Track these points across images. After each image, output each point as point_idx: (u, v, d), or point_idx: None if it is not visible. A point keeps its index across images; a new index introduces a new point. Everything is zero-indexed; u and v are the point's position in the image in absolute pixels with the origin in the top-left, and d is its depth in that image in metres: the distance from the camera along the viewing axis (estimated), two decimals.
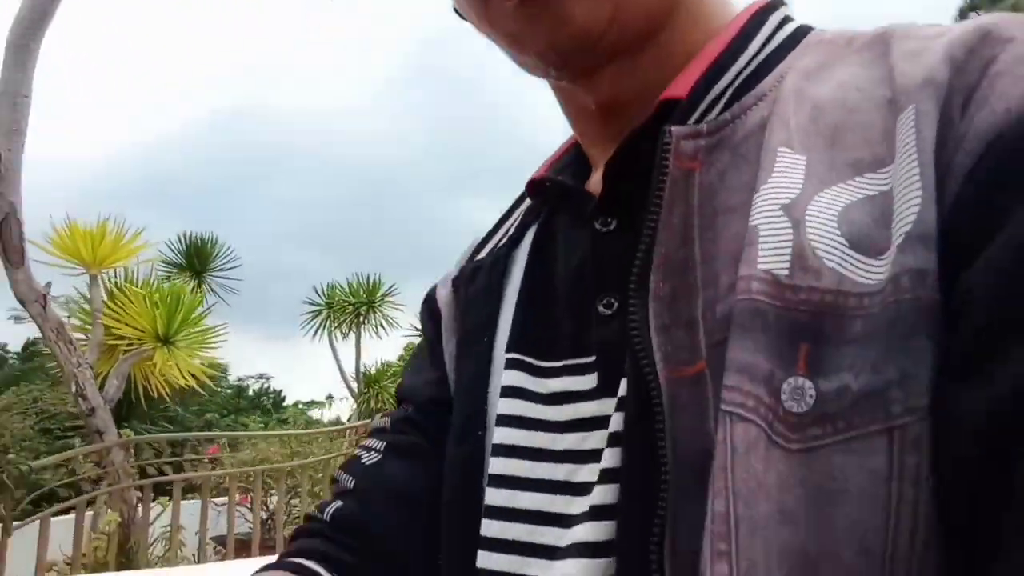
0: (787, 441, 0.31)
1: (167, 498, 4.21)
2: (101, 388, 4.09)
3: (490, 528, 0.41)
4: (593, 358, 0.41)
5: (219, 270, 9.44)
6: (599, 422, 0.39)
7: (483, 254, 0.53)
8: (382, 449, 0.52)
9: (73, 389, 3.60)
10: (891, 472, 0.29)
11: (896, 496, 0.29)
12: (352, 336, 10.85)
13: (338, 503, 0.51)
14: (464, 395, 0.48)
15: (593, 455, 0.39)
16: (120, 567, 3.66)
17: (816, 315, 0.32)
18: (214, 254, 9.35)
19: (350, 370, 10.66)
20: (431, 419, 0.51)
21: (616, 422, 0.37)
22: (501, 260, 0.50)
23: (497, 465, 0.42)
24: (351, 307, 10.92)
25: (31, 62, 3.50)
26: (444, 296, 0.54)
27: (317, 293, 11.08)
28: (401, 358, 11.11)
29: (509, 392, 0.44)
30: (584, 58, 0.41)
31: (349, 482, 0.51)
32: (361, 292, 10.91)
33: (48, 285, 3.56)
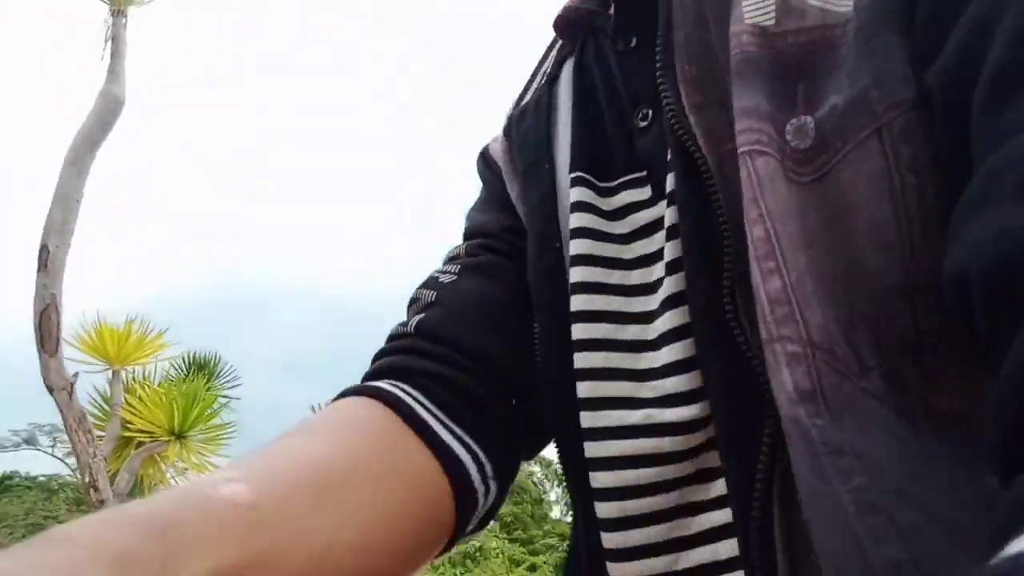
0: (799, 175, 0.33)
1: None
2: (111, 483, 4.15)
3: (578, 331, 0.43)
4: (644, 172, 0.44)
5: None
6: (658, 224, 0.42)
7: (526, 99, 0.54)
8: (458, 270, 0.51)
9: (86, 480, 3.66)
10: (888, 166, 0.30)
11: (899, 186, 0.30)
12: None
13: (421, 315, 0.49)
14: (536, 216, 0.49)
15: (658, 255, 0.42)
16: None
17: (807, 54, 0.34)
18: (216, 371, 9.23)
19: None
20: (504, 242, 0.52)
21: (671, 215, 0.40)
22: (544, 97, 0.52)
23: (576, 274, 0.44)
24: None
25: (86, 170, 3.85)
26: (497, 149, 0.55)
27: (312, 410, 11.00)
28: None
29: (579, 207, 0.45)
30: None
31: (430, 296, 0.50)
32: None
33: (75, 375, 3.72)
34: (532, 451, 0.51)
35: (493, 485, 0.45)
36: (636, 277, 0.44)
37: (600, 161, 0.46)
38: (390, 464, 0.41)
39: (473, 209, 0.58)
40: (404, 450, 0.42)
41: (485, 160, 0.57)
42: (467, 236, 0.55)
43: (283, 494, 0.35)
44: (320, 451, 0.40)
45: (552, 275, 0.46)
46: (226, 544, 0.31)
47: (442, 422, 0.44)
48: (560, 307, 0.44)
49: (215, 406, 4.86)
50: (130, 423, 4.64)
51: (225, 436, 5.41)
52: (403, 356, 0.47)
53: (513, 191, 0.52)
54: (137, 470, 4.54)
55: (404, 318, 0.50)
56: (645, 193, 0.44)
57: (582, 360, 0.43)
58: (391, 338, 0.50)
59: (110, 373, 5.07)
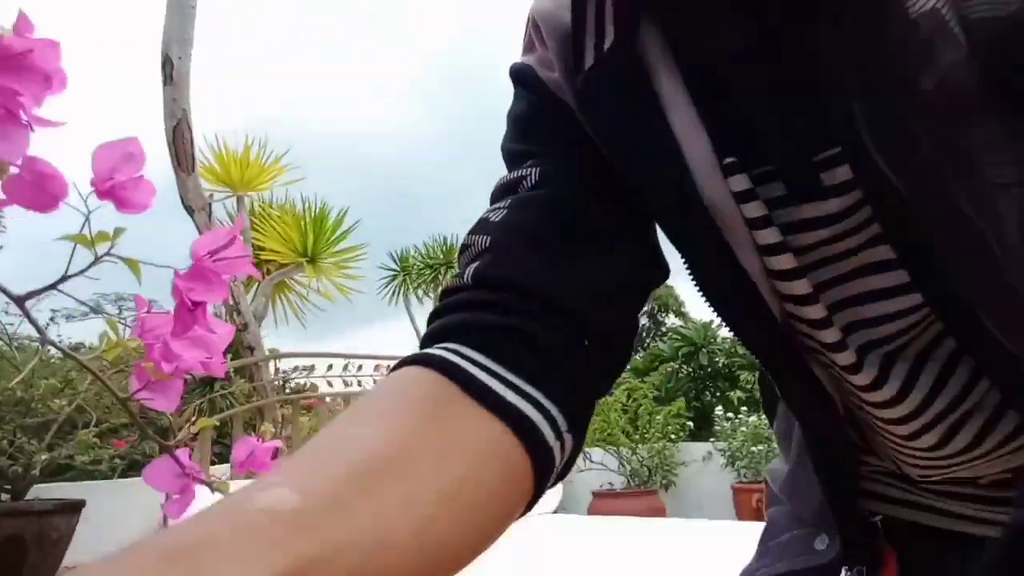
0: None
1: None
2: None
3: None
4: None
5: None
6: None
7: (588, 59, 0.47)
8: (508, 205, 0.47)
9: (228, 303, 3.76)
10: None
11: None
12: (427, 300, 10.95)
13: (475, 263, 0.45)
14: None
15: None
16: None
17: None
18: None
19: None
20: (558, 165, 0.48)
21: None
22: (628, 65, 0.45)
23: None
24: (429, 270, 10.99)
25: None
26: (554, 81, 0.50)
27: (392, 259, 11.19)
28: None
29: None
30: None
31: (484, 241, 0.46)
32: (439, 253, 10.96)
33: (211, 195, 3.72)
34: (608, 387, 0.47)
35: (568, 438, 0.42)
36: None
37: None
38: (451, 438, 0.37)
39: (515, 138, 0.52)
40: (464, 420, 0.38)
41: (537, 87, 0.51)
42: (513, 162, 0.51)
43: (331, 490, 0.32)
44: (370, 435, 0.36)
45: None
46: (262, 559, 0.28)
47: (505, 380, 0.40)
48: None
49: (343, 228, 4.85)
50: (260, 247, 4.69)
51: (357, 257, 5.48)
52: (459, 313, 0.43)
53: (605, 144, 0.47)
54: (270, 294, 4.65)
55: None
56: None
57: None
58: (445, 293, 0.46)
59: (234, 199, 5.13)
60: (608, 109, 0.46)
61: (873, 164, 0.36)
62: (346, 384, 4.08)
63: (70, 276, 0.45)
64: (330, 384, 4.22)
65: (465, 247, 0.48)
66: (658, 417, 6.41)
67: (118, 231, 0.51)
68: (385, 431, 0.36)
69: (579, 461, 6.34)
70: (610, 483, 6.16)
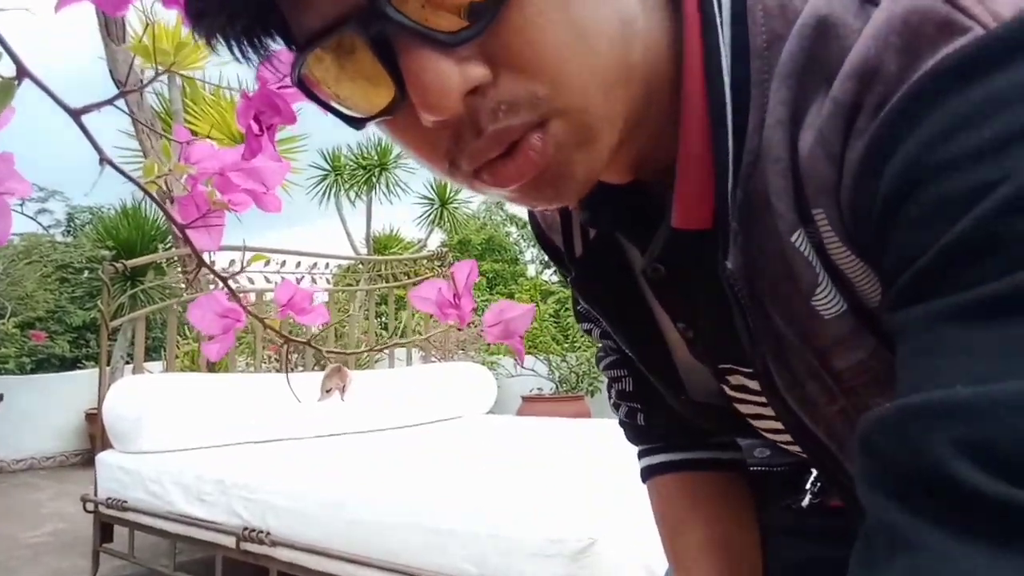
0: None
1: None
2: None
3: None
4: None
5: None
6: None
7: (578, 251, 0.59)
8: (632, 393, 0.73)
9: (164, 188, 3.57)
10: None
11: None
12: (359, 203, 10.69)
13: (640, 413, 0.73)
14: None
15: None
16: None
17: None
18: None
19: (359, 237, 10.57)
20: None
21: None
22: (607, 274, 0.58)
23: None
24: (362, 171, 10.69)
25: None
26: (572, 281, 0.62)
27: (324, 157, 10.81)
28: (417, 222, 11.01)
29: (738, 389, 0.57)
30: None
31: (637, 403, 0.72)
32: (374, 154, 10.65)
33: (142, 70, 3.46)
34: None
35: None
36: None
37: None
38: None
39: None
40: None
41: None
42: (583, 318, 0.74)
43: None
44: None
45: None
46: None
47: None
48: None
49: None
50: (195, 129, 4.44)
51: (297, 148, 5.25)
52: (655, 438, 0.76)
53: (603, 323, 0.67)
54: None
55: None
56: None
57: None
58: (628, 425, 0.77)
59: (166, 78, 4.80)
60: (600, 295, 0.58)
61: (775, 386, 0.49)
62: (282, 280, 4.01)
63: (130, 91, 0.42)
64: (267, 279, 4.14)
65: (611, 385, 0.75)
66: None
67: (181, 44, 0.48)
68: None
69: (510, 367, 6.44)
70: (539, 388, 6.34)
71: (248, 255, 0.56)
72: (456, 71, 0.36)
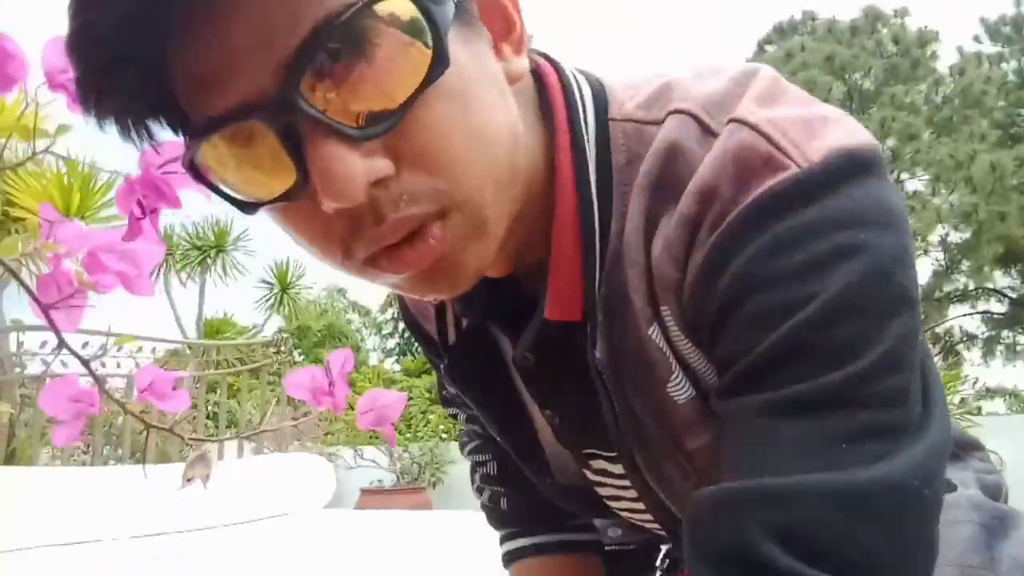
0: None
1: None
2: None
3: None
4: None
5: None
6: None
7: (451, 339, 0.63)
8: (494, 476, 0.77)
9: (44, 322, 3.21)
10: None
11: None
12: (191, 284, 10.15)
13: (502, 498, 0.77)
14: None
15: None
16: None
17: None
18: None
19: (189, 320, 9.97)
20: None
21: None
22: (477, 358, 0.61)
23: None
24: (196, 251, 10.22)
25: None
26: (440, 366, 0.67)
27: None
28: (256, 306, 10.54)
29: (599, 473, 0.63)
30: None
31: (497, 487, 0.77)
32: (210, 235, 10.22)
33: None
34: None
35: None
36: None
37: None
38: None
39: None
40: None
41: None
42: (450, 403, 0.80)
43: None
44: None
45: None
46: None
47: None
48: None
49: (113, 192, 4.26)
50: (10, 204, 4.01)
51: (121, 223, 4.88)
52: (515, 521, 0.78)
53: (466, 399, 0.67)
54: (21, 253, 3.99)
55: None
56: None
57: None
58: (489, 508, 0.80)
59: None
60: (471, 382, 0.61)
61: (637, 467, 0.54)
62: (103, 366, 3.69)
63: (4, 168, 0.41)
64: (103, 364, 3.77)
65: (475, 469, 0.79)
66: (431, 417, 6.52)
67: (62, 128, 0.47)
68: None
69: (350, 459, 6.20)
70: (380, 480, 6.15)
71: (105, 337, 0.54)
72: (361, 163, 0.38)
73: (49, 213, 0.52)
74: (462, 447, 0.80)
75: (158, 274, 9.96)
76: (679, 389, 0.49)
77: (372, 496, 5.74)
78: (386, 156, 0.39)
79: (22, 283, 0.50)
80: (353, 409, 0.62)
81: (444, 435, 6.44)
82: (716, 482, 0.42)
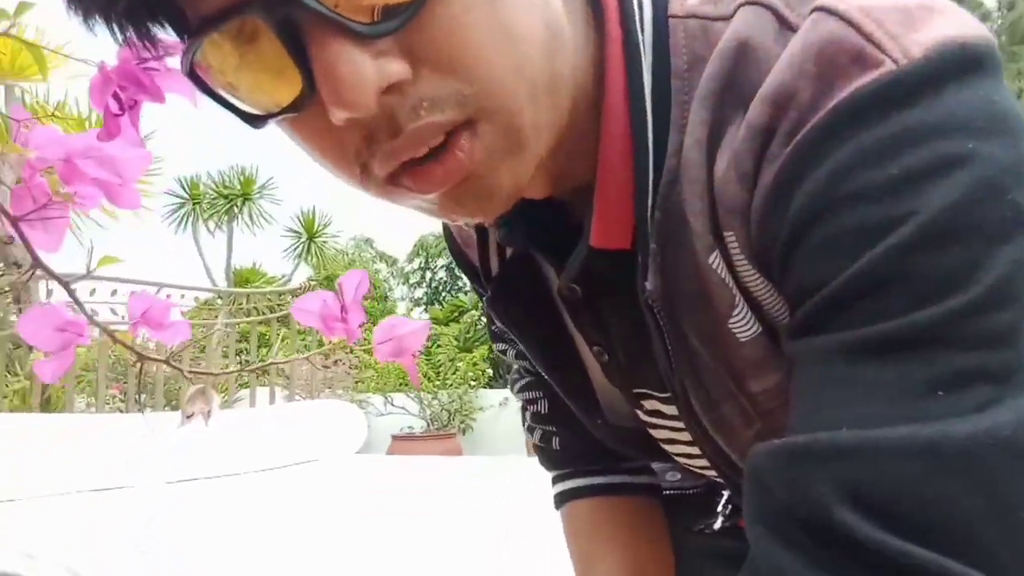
0: None
1: None
2: None
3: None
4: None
5: None
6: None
7: (494, 270, 0.58)
8: (546, 414, 0.72)
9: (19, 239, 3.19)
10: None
11: None
12: (219, 233, 10.19)
13: (555, 438, 0.71)
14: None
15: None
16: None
17: None
18: None
19: (218, 270, 10.06)
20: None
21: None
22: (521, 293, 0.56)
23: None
24: (223, 200, 10.22)
25: None
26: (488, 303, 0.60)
27: (181, 185, 10.25)
28: (284, 255, 10.60)
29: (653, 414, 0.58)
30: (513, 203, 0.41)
31: (551, 427, 0.71)
32: (236, 183, 10.20)
33: None
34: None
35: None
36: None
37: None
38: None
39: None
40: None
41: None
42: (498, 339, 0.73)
43: None
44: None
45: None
46: None
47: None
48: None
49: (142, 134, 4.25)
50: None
51: (151, 171, 4.86)
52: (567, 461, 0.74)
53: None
54: None
55: None
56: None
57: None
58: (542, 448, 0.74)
59: (2, 89, 4.31)
60: (515, 316, 0.57)
61: (692, 410, 0.48)
62: (113, 312, 3.71)
63: None
64: (113, 311, 3.80)
65: (526, 408, 0.73)
66: (459, 364, 6.53)
67: (24, 6, 0.40)
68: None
69: (380, 406, 6.29)
70: (410, 427, 6.20)
71: (94, 261, 0.48)
72: (372, 65, 0.33)
73: (19, 112, 0.45)
74: (512, 385, 0.74)
75: (185, 224, 10.03)
76: (742, 325, 0.42)
77: (402, 442, 5.79)
78: (401, 57, 0.34)
79: None
80: (368, 341, 0.56)
81: (473, 383, 6.46)
82: (782, 432, 0.37)
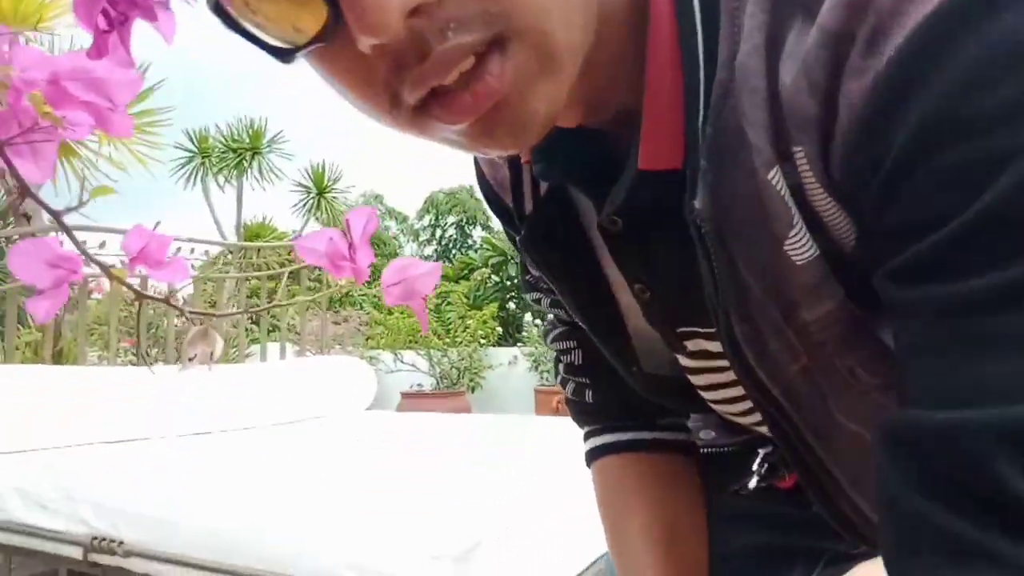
0: None
1: None
2: None
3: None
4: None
5: None
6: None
7: (527, 209, 0.56)
8: (581, 365, 0.69)
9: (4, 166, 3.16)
10: None
11: None
12: (229, 189, 10.14)
13: (587, 390, 0.69)
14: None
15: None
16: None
17: None
18: None
19: (228, 225, 10.04)
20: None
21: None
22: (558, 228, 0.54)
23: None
24: (232, 153, 10.14)
25: None
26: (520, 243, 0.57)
27: (189, 138, 10.16)
28: (293, 211, 10.56)
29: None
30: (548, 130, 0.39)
31: (583, 379, 0.69)
32: (244, 136, 10.11)
33: None
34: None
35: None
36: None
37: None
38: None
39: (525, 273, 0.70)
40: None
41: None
42: (530, 287, 0.69)
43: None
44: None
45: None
46: None
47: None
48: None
49: (144, 86, 4.20)
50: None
51: (159, 122, 4.82)
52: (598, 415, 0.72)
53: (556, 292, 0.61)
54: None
55: None
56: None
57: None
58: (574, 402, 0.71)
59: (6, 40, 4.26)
60: (550, 255, 0.55)
61: (737, 344, 0.45)
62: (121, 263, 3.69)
63: None
64: (124, 263, 3.77)
65: (559, 359, 0.70)
66: (469, 322, 6.54)
67: None
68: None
69: (390, 362, 6.32)
70: (419, 384, 6.24)
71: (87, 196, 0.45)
72: None
73: (2, 30, 0.42)
74: (545, 335, 0.72)
75: (195, 178, 9.98)
76: (800, 247, 0.39)
77: (412, 399, 5.83)
78: None
79: None
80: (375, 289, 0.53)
81: (483, 340, 6.47)
82: (833, 365, 0.35)
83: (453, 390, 6.07)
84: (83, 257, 0.46)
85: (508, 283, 9.86)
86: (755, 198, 0.39)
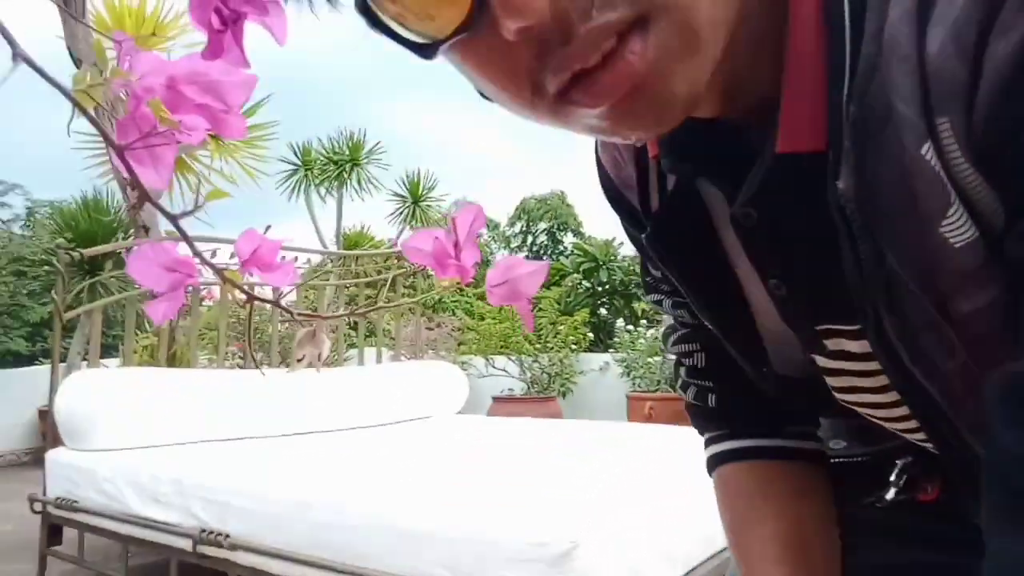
0: None
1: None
2: None
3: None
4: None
5: None
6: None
7: (654, 206, 0.54)
8: (704, 368, 0.66)
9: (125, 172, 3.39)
10: None
11: None
12: (330, 199, 10.49)
13: (710, 394, 0.65)
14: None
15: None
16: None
17: None
18: None
19: (329, 234, 10.38)
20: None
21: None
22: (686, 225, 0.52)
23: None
24: (333, 166, 10.50)
25: None
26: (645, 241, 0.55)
27: (293, 151, 10.58)
28: (390, 220, 10.83)
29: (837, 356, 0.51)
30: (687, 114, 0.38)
31: (707, 383, 0.65)
32: (345, 149, 10.45)
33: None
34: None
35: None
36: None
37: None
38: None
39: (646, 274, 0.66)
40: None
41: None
42: (652, 289, 0.66)
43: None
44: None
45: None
46: None
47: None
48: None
49: (251, 102, 4.45)
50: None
51: (267, 136, 5.08)
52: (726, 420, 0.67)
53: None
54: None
55: None
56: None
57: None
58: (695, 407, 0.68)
59: None
60: (677, 253, 0.53)
61: (886, 339, 0.42)
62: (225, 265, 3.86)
63: None
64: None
65: (680, 363, 0.67)
66: (560, 328, 6.51)
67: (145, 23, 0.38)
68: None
69: (481, 367, 6.36)
70: (510, 389, 6.26)
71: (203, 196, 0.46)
72: None
73: (122, 38, 0.43)
74: (665, 339, 0.70)
75: (297, 189, 10.38)
76: (958, 228, 0.36)
77: (503, 404, 5.85)
78: None
79: (93, 121, 0.42)
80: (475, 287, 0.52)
81: (574, 346, 6.43)
82: (997, 360, 0.34)
83: (544, 395, 6.06)
84: (198, 261, 0.47)
85: (599, 289, 9.78)
86: (904, 178, 0.36)
